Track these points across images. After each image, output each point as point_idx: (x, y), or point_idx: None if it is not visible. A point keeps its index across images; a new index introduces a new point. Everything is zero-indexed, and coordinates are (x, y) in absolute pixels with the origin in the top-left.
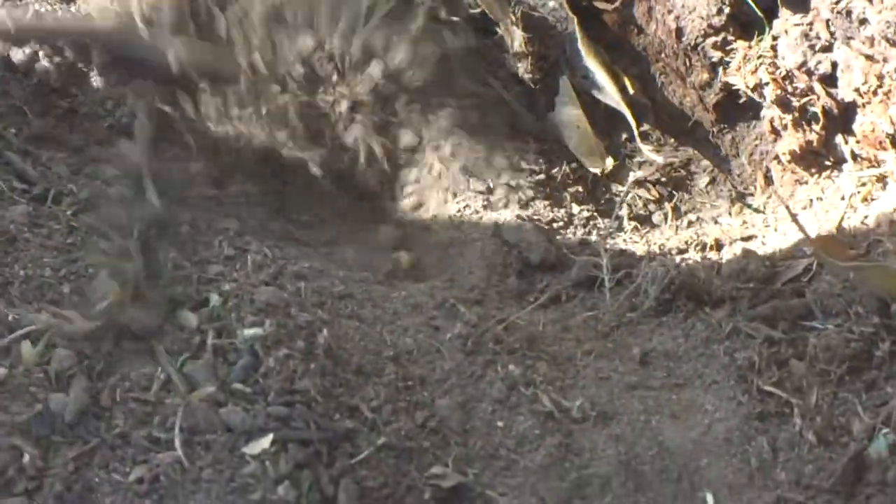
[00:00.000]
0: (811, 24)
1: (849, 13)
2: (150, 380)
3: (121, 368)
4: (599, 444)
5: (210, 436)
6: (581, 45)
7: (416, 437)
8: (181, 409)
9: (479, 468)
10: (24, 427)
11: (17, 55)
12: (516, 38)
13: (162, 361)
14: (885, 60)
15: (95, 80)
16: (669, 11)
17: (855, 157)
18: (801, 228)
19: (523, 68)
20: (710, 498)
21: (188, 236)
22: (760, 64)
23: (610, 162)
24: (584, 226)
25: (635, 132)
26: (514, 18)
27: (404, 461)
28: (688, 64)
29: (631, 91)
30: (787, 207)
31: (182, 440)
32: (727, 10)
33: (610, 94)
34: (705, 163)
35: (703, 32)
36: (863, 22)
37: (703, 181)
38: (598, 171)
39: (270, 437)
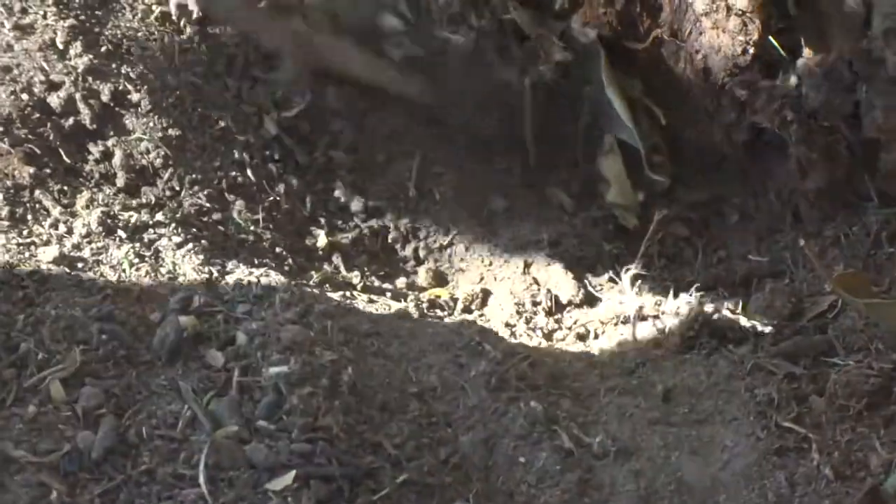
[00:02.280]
0: (834, 63)
1: (869, 53)
2: (176, 417)
3: (147, 406)
4: (619, 480)
5: (234, 472)
6: (605, 77)
7: (438, 473)
8: (206, 446)
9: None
10: (52, 464)
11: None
12: (555, 50)
13: (188, 399)
14: None
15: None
16: (697, 51)
17: (881, 194)
18: (822, 267)
19: (552, 77)
20: None
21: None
22: (785, 103)
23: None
24: (613, 263)
25: (644, 160)
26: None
27: (426, 497)
28: (715, 103)
29: (663, 122)
30: (808, 247)
31: (206, 477)
32: (752, 50)
33: (627, 126)
34: (734, 200)
35: (729, 72)
36: (882, 62)
37: (732, 218)
38: (630, 226)
39: (293, 473)
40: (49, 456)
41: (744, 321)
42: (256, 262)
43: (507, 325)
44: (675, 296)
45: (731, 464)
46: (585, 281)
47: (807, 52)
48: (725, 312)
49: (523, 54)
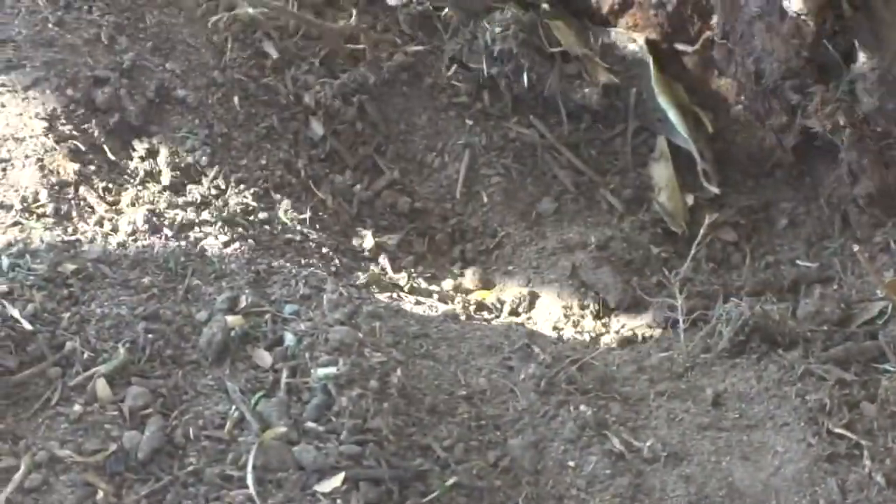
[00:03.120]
0: (888, 67)
1: None
2: (223, 418)
3: (195, 407)
4: (669, 485)
5: (282, 474)
6: (655, 84)
7: (487, 476)
8: (254, 447)
9: None
10: (98, 464)
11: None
12: (600, 72)
13: (235, 400)
14: None
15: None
16: (749, 54)
17: None
18: (874, 272)
19: (598, 100)
20: None
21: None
22: (838, 107)
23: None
24: (662, 267)
25: (701, 168)
26: (595, 51)
27: (475, 500)
28: (767, 106)
29: (710, 129)
30: (861, 251)
31: (255, 478)
32: (805, 53)
33: (681, 132)
34: (784, 205)
35: (781, 75)
36: None
37: (781, 223)
38: (678, 230)
39: (342, 475)
40: (95, 456)
41: (794, 326)
42: (303, 262)
43: (555, 328)
44: (725, 300)
45: (782, 470)
46: (633, 284)
47: (861, 56)
48: (775, 317)
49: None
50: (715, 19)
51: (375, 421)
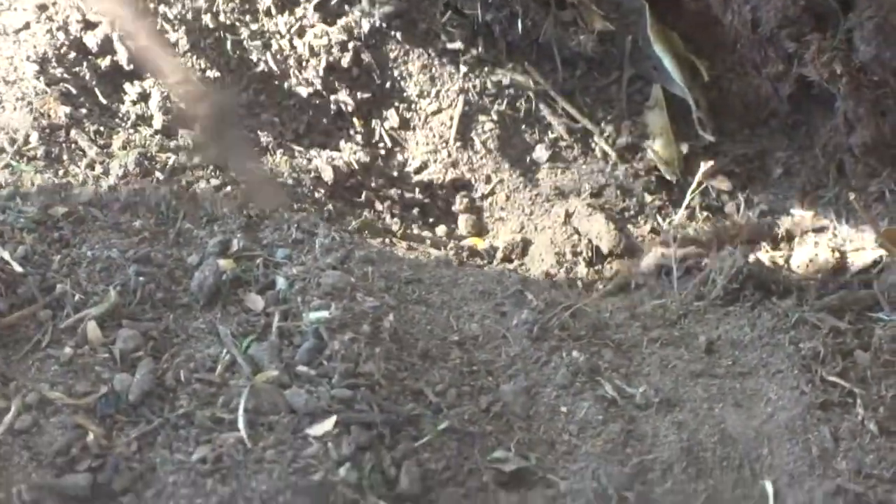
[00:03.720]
0: (885, 16)
1: None
2: (214, 361)
3: (186, 349)
4: (662, 431)
5: (273, 417)
6: (651, 32)
7: (479, 421)
8: (245, 390)
9: (542, 453)
10: (88, 407)
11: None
12: (595, 19)
13: (227, 343)
14: None
15: None
16: (746, 2)
17: None
18: (871, 220)
19: (593, 47)
20: (769, 486)
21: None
22: (835, 56)
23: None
24: (656, 215)
25: (696, 117)
26: None
27: (467, 445)
28: (763, 55)
29: (706, 78)
30: (857, 199)
31: (246, 421)
32: (802, 1)
33: (676, 80)
34: (779, 154)
35: (778, 23)
36: None
37: (776, 172)
38: (672, 179)
39: (333, 419)
40: (85, 398)
41: (788, 275)
42: (296, 206)
43: (548, 274)
44: (719, 249)
45: (774, 417)
46: (627, 232)
47: (859, 4)
48: (769, 266)
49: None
50: None
51: (367, 365)
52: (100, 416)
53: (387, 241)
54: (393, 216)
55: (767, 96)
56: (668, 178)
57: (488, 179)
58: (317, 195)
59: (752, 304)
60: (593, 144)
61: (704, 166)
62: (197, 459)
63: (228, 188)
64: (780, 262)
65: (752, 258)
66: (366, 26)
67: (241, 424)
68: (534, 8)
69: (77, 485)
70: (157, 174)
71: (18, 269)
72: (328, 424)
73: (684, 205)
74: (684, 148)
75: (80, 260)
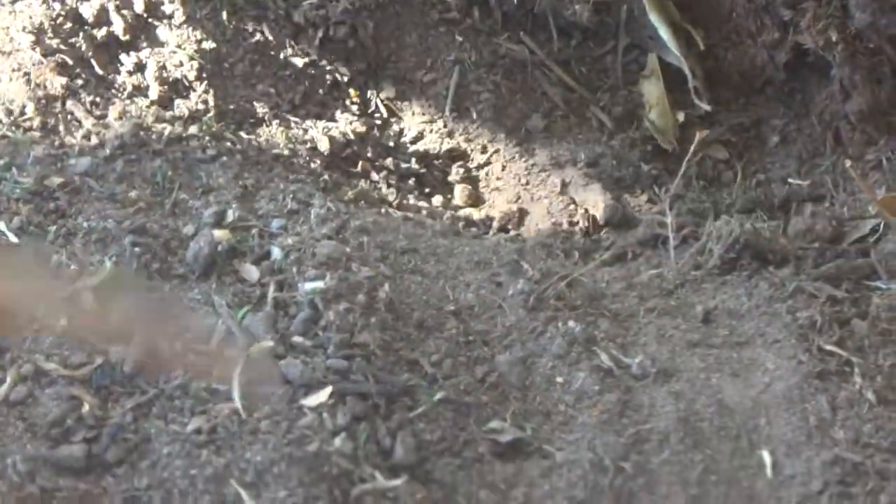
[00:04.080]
0: None
1: None
2: (210, 332)
3: (182, 321)
4: (658, 401)
5: (269, 388)
6: (647, 1)
7: (475, 391)
8: (241, 361)
9: (537, 423)
10: (83, 378)
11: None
12: None
13: (222, 313)
14: None
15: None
16: None
17: None
18: (867, 188)
19: (589, 17)
20: (767, 456)
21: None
22: (830, 23)
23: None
24: (652, 185)
25: (692, 86)
26: None
27: (463, 415)
28: (759, 23)
29: (701, 47)
30: (853, 167)
31: (241, 392)
32: None
33: (672, 49)
34: (775, 122)
35: None
36: None
37: (772, 140)
38: (668, 148)
39: (329, 389)
40: (81, 369)
41: (785, 244)
42: (291, 177)
43: (544, 245)
44: (716, 217)
45: (772, 386)
46: (623, 202)
47: None
48: (766, 235)
49: None
50: None
51: (363, 335)
52: (95, 387)
53: (383, 211)
54: (389, 186)
55: (763, 65)
56: (664, 147)
57: (484, 149)
58: (313, 166)
59: (749, 273)
60: (589, 114)
61: (700, 135)
62: (192, 430)
63: (224, 158)
64: (778, 231)
65: (748, 227)
66: None
67: (235, 395)
68: None
69: (72, 456)
70: (154, 144)
71: (14, 239)
72: (323, 395)
73: (680, 174)
74: (680, 117)
75: (75, 230)
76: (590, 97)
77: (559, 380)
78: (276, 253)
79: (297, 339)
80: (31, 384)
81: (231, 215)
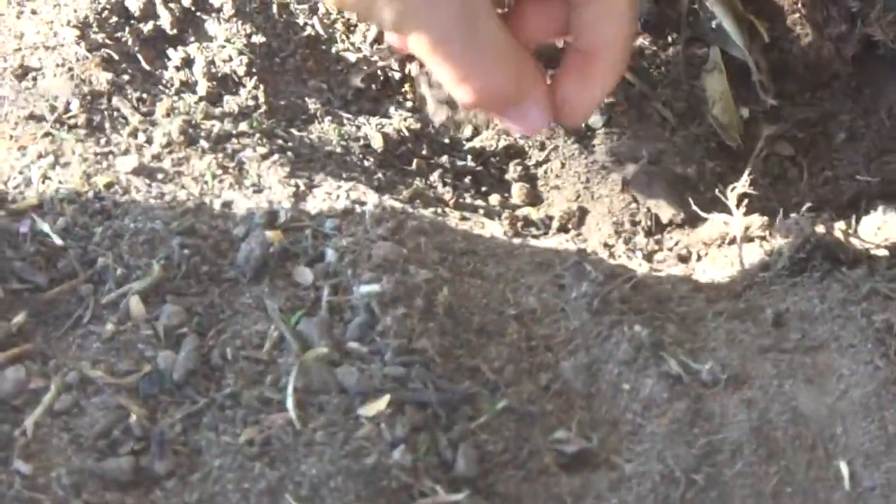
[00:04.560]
0: None
1: None
2: (262, 338)
3: (232, 326)
4: (730, 410)
5: (324, 397)
6: None
7: (538, 400)
8: (294, 368)
9: (604, 433)
10: (131, 386)
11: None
12: None
13: (275, 318)
14: None
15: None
16: None
17: None
18: None
19: (649, 8)
20: (844, 467)
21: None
22: None
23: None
24: (716, 182)
25: (757, 80)
26: None
27: (526, 425)
28: (825, 14)
29: (766, 39)
30: None
31: (295, 401)
32: None
33: (736, 42)
34: (843, 117)
35: None
36: None
37: (839, 136)
38: (732, 144)
39: (387, 398)
40: (128, 377)
41: (857, 243)
42: (345, 175)
43: (606, 245)
44: (785, 216)
45: (848, 393)
46: (687, 200)
47: None
48: (837, 234)
49: None
50: None
51: (421, 341)
52: (143, 396)
53: (439, 210)
54: (445, 185)
55: (830, 57)
56: (728, 143)
57: (542, 146)
58: (366, 164)
59: (821, 274)
60: (650, 109)
61: (767, 131)
62: (244, 441)
63: (275, 156)
64: (849, 230)
65: (819, 226)
66: None
67: (289, 404)
68: None
69: (119, 468)
70: (202, 142)
71: (58, 241)
72: (381, 404)
73: (746, 172)
74: (744, 112)
75: (122, 232)
76: (650, 92)
77: (626, 387)
78: (331, 255)
79: (352, 345)
80: (76, 393)
81: (283, 216)
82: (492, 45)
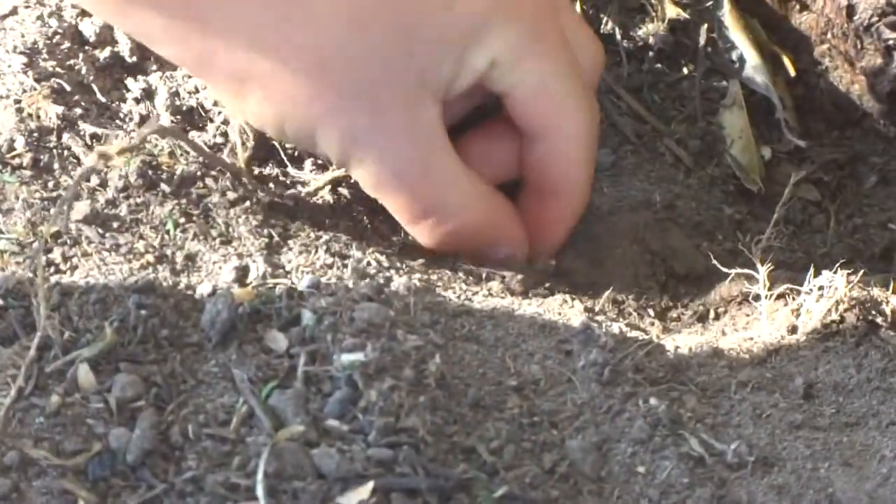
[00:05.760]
0: None
1: None
2: (229, 413)
3: (195, 399)
4: (759, 497)
5: (299, 483)
6: (730, 18)
7: (542, 485)
8: (265, 449)
9: None
10: (78, 468)
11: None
12: (667, 5)
13: (244, 391)
14: None
15: None
16: None
17: None
18: None
19: (664, 37)
20: None
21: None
22: None
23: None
24: (735, 230)
25: (781, 118)
26: None
27: None
28: (858, 46)
29: (791, 73)
30: None
31: (265, 487)
32: None
33: (758, 75)
34: (874, 159)
35: (879, 11)
36: None
37: (870, 180)
38: (753, 188)
39: (370, 485)
40: (75, 458)
41: (894, 301)
42: (326, 222)
43: (615, 301)
44: (817, 272)
45: (891, 479)
46: (704, 250)
47: None
48: (875, 292)
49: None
50: None
51: (410, 419)
52: (92, 480)
53: (430, 263)
54: None
55: (861, 94)
56: (748, 187)
57: None
58: (353, 212)
59: (856, 339)
60: (663, 148)
61: (795, 176)
62: None
63: (246, 202)
64: (884, 286)
65: (854, 283)
66: None
67: (259, 492)
68: None
69: None
70: (163, 186)
71: None
72: (364, 492)
73: (772, 222)
74: (766, 153)
75: (71, 290)
76: (664, 129)
77: (641, 469)
78: (308, 317)
79: (332, 422)
80: (15, 475)
81: (255, 271)
82: (455, 179)
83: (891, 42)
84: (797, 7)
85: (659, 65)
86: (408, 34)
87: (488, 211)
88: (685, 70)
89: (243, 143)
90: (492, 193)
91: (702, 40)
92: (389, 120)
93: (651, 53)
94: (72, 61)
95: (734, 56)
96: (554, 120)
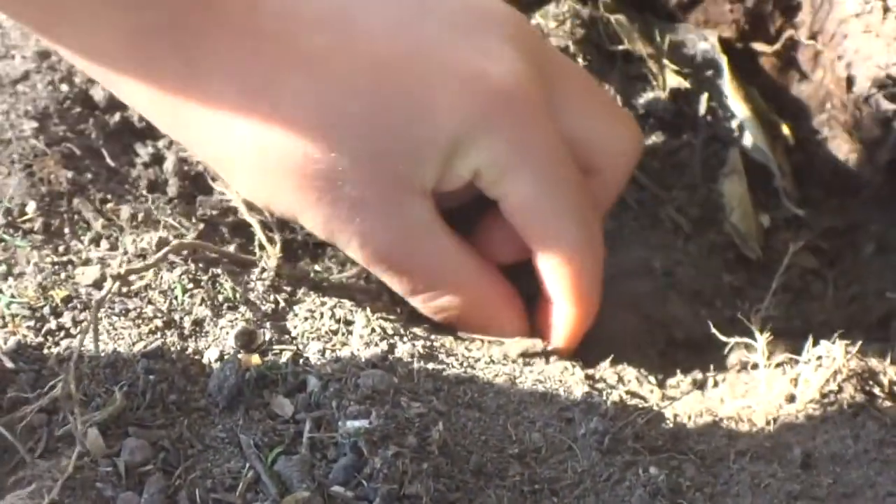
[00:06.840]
0: None
1: None
2: (235, 478)
3: (202, 463)
4: None
5: None
6: (730, 87)
7: None
8: None
9: None
10: None
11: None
12: (668, 74)
13: (250, 456)
14: None
15: None
16: (840, 57)
17: None
18: None
19: (665, 105)
20: None
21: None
22: None
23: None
24: (734, 298)
25: (780, 186)
26: (661, 50)
27: None
28: (857, 117)
29: (791, 141)
30: None
31: None
32: None
33: (758, 143)
34: (872, 228)
35: (878, 83)
36: None
37: (868, 248)
38: (752, 256)
39: None
40: None
41: (893, 373)
42: (330, 289)
43: (615, 370)
44: (815, 341)
45: None
46: (703, 318)
47: None
48: (872, 362)
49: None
50: (800, 17)
51: (413, 486)
52: None
53: (433, 328)
54: None
55: (860, 163)
56: (747, 254)
57: None
58: (358, 281)
59: (854, 409)
60: (663, 215)
61: (794, 246)
62: None
63: (254, 268)
64: (884, 357)
65: (851, 353)
66: None
67: None
68: (598, 60)
69: None
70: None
71: (9, 364)
72: None
73: (772, 290)
74: (765, 221)
75: (81, 354)
76: (664, 196)
77: None
78: (313, 383)
79: (337, 489)
80: None
81: (261, 336)
82: (442, 259)
83: (889, 113)
84: (797, 77)
85: (660, 132)
86: (390, 141)
87: (479, 288)
88: (685, 137)
89: (270, 240)
90: (484, 272)
91: (702, 108)
92: (371, 212)
93: (652, 121)
94: (82, 126)
95: (734, 124)
96: (542, 238)
